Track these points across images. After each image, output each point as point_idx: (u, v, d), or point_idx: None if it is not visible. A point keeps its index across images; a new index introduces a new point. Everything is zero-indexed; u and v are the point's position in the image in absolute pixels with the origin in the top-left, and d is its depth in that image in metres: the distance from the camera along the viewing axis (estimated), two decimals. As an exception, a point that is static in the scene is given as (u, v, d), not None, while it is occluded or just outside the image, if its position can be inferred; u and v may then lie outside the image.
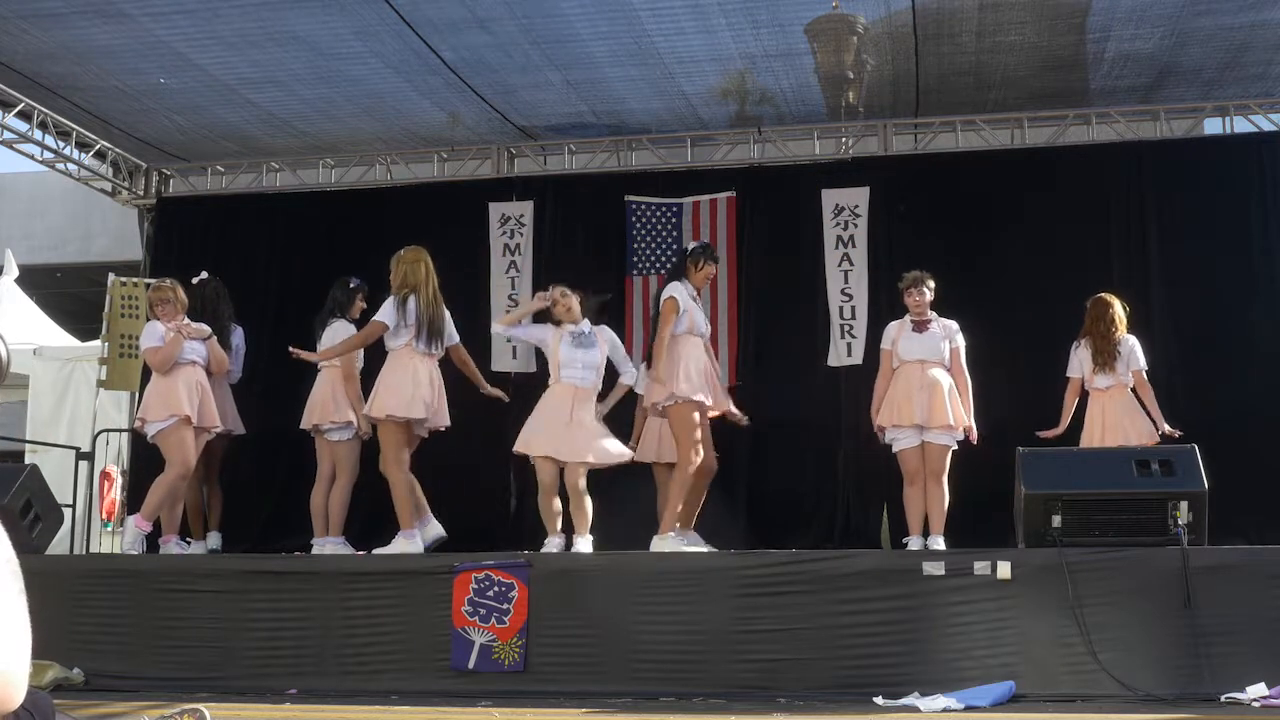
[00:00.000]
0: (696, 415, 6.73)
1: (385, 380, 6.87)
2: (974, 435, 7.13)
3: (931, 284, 7.24)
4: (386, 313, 6.89)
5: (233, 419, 7.74)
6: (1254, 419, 8.20)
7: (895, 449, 7.19)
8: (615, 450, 6.82)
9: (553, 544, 6.62)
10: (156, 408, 7.15)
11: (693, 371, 6.73)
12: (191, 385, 7.19)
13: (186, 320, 7.38)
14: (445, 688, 5.88)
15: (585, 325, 6.96)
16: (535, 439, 6.76)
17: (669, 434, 7.26)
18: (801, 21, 7.69)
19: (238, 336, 8.10)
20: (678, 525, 6.79)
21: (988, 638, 5.54)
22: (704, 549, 6.85)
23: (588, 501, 6.68)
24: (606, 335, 7.06)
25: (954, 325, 7.23)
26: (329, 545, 7.19)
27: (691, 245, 7.32)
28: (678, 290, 6.87)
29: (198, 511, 7.76)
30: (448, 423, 7.10)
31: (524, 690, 5.77)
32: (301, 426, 7.51)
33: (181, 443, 7.09)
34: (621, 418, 7.69)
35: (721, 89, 8.70)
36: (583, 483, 6.67)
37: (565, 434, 6.68)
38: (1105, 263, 8.65)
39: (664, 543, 6.62)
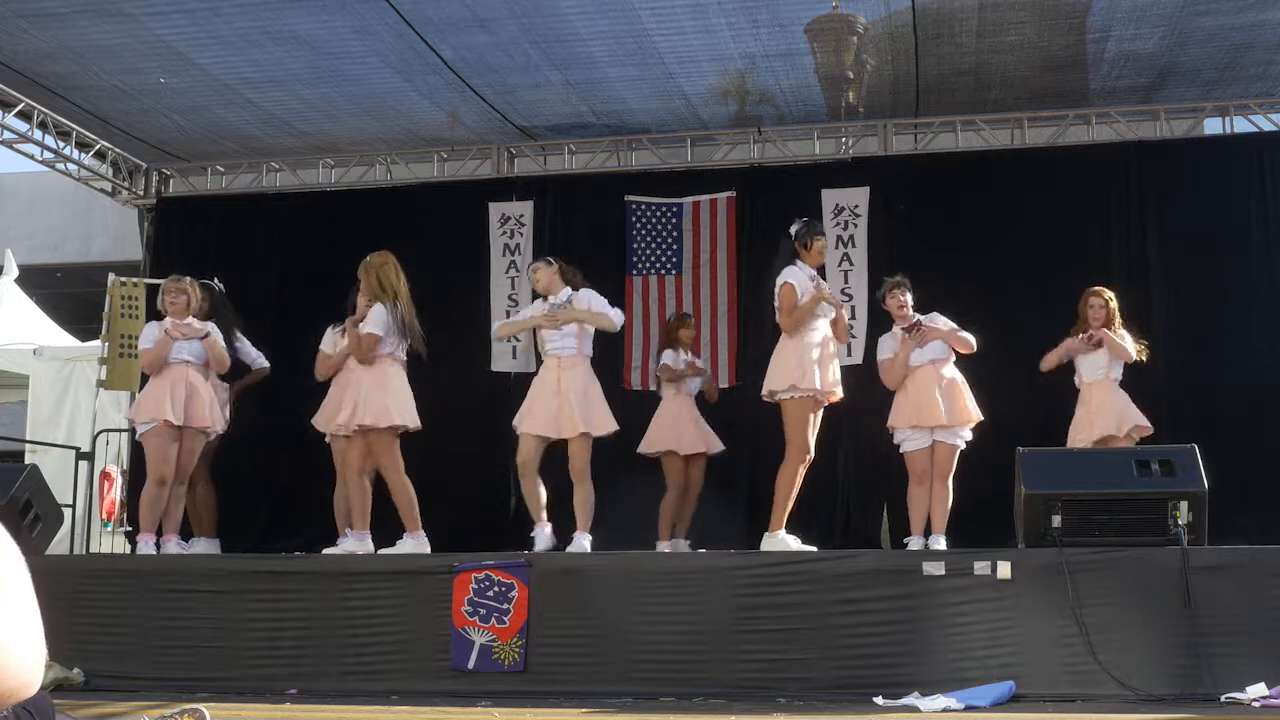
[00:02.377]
0: (811, 411, 6.49)
1: (383, 390, 6.61)
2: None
3: (906, 292, 7.19)
4: (380, 322, 6.62)
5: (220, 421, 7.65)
6: (1254, 419, 8.20)
7: (904, 449, 7.14)
8: (601, 420, 6.69)
9: (542, 535, 6.54)
10: (143, 409, 7.13)
11: (810, 363, 6.43)
12: (179, 386, 7.06)
13: (190, 320, 7.29)
14: (445, 688, 5.88)
15: (564, 294, 6.83)
16: (525, 418, 6.75)
17: (681, 422, 7.51)
18: (801, 21, 7.69)
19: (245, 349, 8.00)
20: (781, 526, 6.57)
21: (988, 638, 5.54)
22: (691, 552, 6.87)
23: (589, 491, 6.62)
24: (583, 296, 6.83)
25: (935, 315, 7.17)
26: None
27: (794, 227, 6.73)
28: (794, 275, 6.50)
29: (195, 512, 7.72)
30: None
31: (524, 690, 5.77)
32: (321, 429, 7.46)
33: (158, 448, 7.02)
34: (637, 417, 7.75)
35: (721, 89, 8.70)
36: (585, 464, 6.61)
37: (555, 411, 6.63)
38: (1105, 263, 8.65)
39: (773, 541, 6.44)
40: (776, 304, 6.56)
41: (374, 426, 6.62)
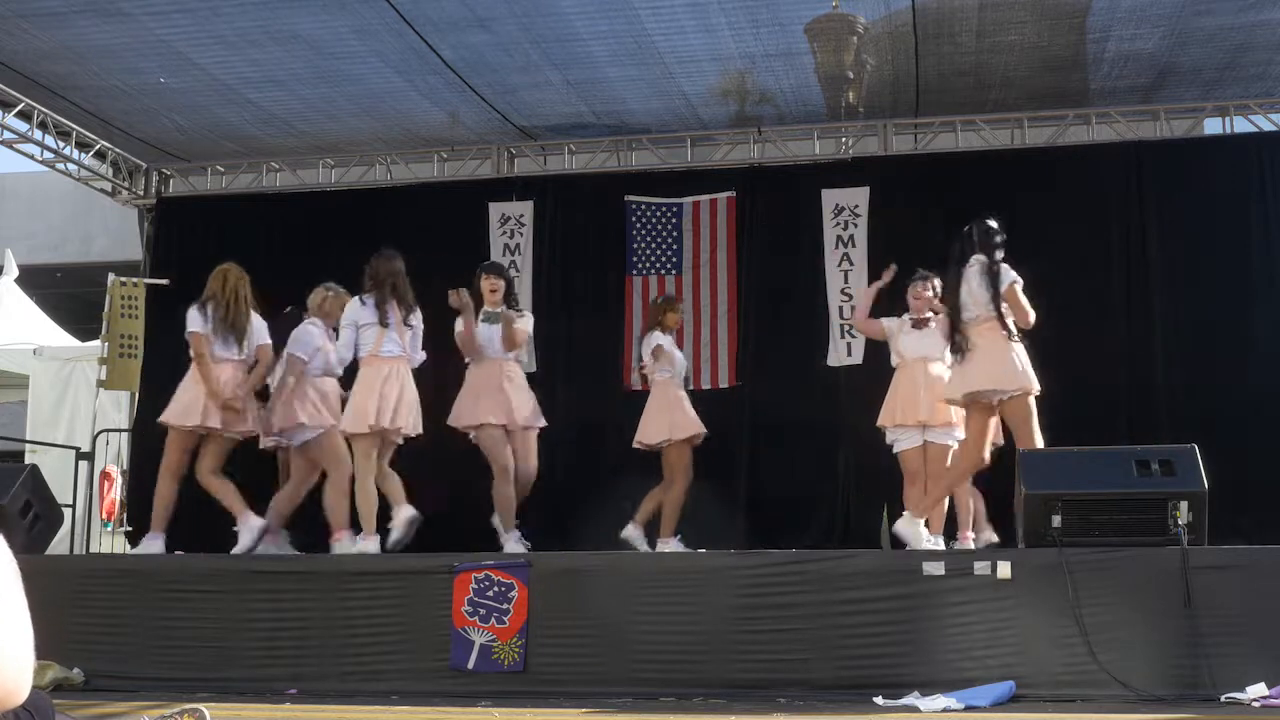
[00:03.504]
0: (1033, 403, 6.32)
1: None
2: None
3: (938, 283, 7.21)
4: (193, 319, 6.96)
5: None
6: (1254, 419, 8.20)
7: (896, 449, 7.18)
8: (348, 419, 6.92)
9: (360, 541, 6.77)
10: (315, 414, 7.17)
11: (1028, 362, 6.32)
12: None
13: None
14: (445, 688, 5.88)
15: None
16: None
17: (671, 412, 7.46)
18: (801, 21, 7.69)
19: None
20: None
21: (988, 638, 5.53)
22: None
23: (369, 492, 6.86)
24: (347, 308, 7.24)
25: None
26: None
27: (991, 222, 6.56)
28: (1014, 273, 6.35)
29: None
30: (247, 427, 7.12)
31: (524, 690, 5.76)
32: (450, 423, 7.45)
33: (336, 448, 7.12)
34: (638, 418, 7.67)
35: (721, 89, 8.70)
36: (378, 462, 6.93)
37: None
38: (1105, 263, 8.66)
39: (915, 527, 6.34)
40: (997, 301, 6.29)
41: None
